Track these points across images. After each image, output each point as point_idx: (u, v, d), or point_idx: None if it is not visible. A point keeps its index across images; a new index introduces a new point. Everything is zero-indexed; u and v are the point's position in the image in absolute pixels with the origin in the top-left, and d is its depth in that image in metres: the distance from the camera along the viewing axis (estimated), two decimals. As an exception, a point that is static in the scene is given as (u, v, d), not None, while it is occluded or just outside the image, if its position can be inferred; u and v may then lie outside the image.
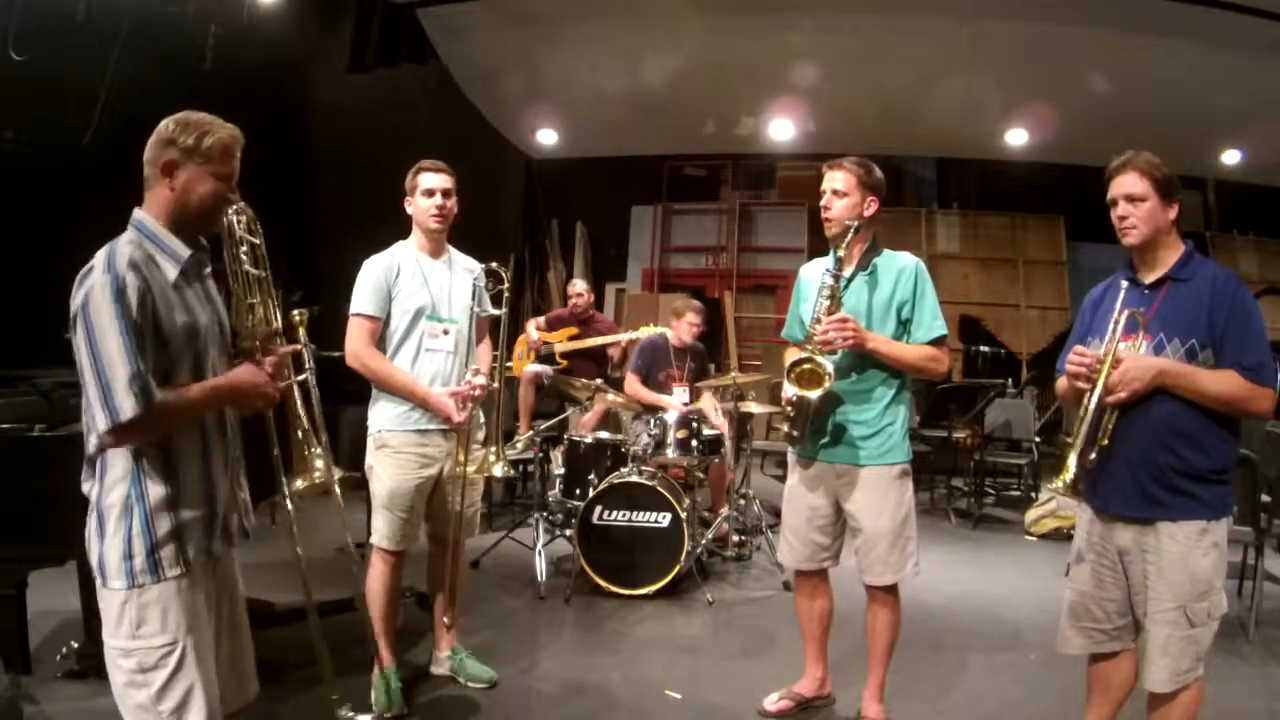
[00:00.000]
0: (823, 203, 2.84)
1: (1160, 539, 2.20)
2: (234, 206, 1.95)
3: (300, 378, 2.14)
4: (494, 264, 3.09)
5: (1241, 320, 2.17)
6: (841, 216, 2.79)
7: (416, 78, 8.13)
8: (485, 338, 3.24)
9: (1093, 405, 2.20)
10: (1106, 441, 2.22)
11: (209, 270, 1.93)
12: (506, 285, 3.05)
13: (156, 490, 1.77)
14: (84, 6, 4.94)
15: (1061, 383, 2.40)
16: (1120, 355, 2.20)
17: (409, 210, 3.08)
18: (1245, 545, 4.11)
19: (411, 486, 2.98)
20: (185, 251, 1.83)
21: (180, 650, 1.76)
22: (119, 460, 1.75)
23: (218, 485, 1.87)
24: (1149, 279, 2.29)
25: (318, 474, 2.19)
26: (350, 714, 2.33)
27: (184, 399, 1.78)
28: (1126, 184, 2.26)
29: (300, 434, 2.13)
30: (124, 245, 1.76)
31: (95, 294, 1.67)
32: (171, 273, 1.80)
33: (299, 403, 2.14)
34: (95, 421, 1.68)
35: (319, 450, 2.18)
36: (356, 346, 2.97)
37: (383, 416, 3.01)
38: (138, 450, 1.75)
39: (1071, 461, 2.20)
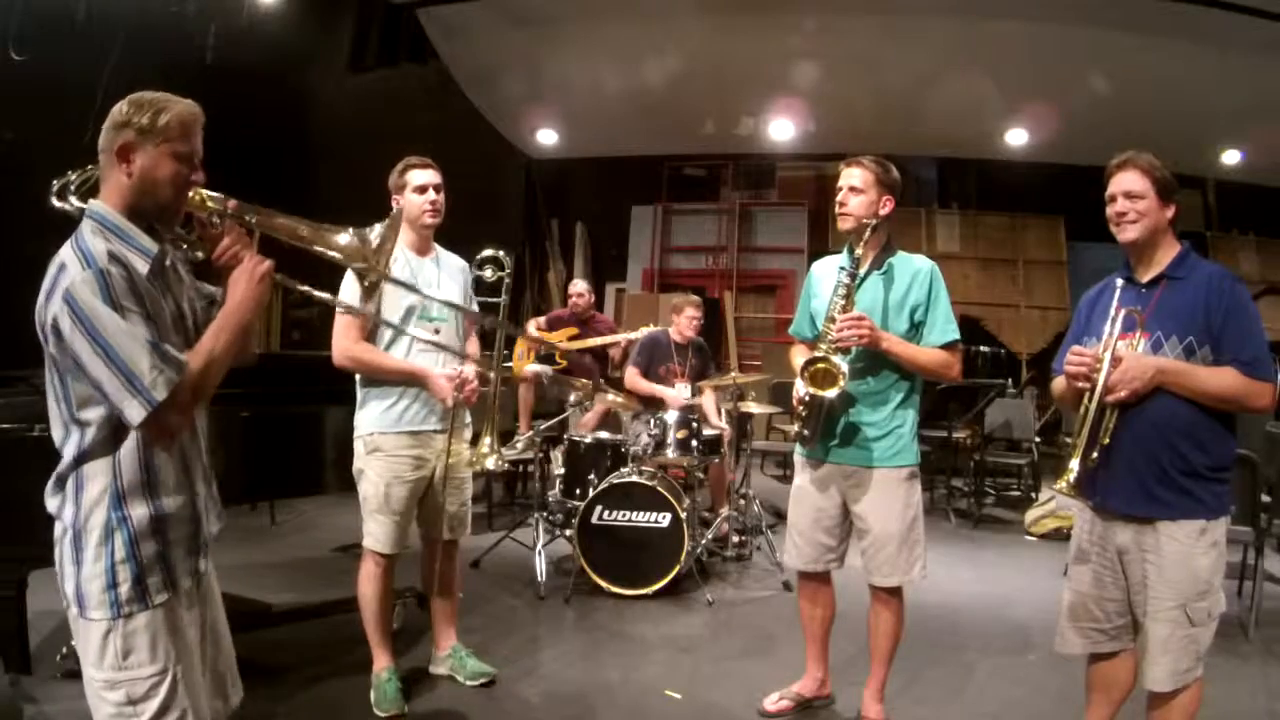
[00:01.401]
0: (839, 198, 2.83)
1: (1160, 538, 2.20)
2: (199, 189, 1.74)
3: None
4: (493, 250, 3.05)
5: (1238, 316, 2.18)
6: (857, 213, 2.79)
7: (416, 78, 8.13)
8: (472, 334, 3.23)
9: (1093, 406, 2.21)
10: (1108, 440, 2.23)
11: (170, 262, 1.75)
12: (507, 272, 3.03)
13: (140, 511, 1.64)
14: (84, 6, 4.94)
15: (1058, 383, 2.40)
16: (1119, 354, 2.21)
17: (404, 208, 3.03)
18: (1245, 545, 4.11)
19: (405, 489, 2.96)
20: (153, 246, 1.68)
21: (171, 678, 1.66)
22: (98, 478, 1.63)
23: (200, 499, 1.76)
24: (1145, 277, 2.30)
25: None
26: None
27: (204, 351, 1.65)
28: (1126, 181, 2.27)
29: (307, 232, 1.85)
30: (91, 238, 1.60)
31: (80, 290, 1.52)
32: (143, 268, 1.64)
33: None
34: (126, 417, 1.55)
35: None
36: (345, 343, 2.91)
37: (373, 419, 2.97)
38: (116, 467, 1.63)
39: (1074, 463, 2.21)
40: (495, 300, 3.07)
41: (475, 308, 3.17)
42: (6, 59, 4.56)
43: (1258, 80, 7.10)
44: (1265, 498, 4.01)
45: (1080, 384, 2.25)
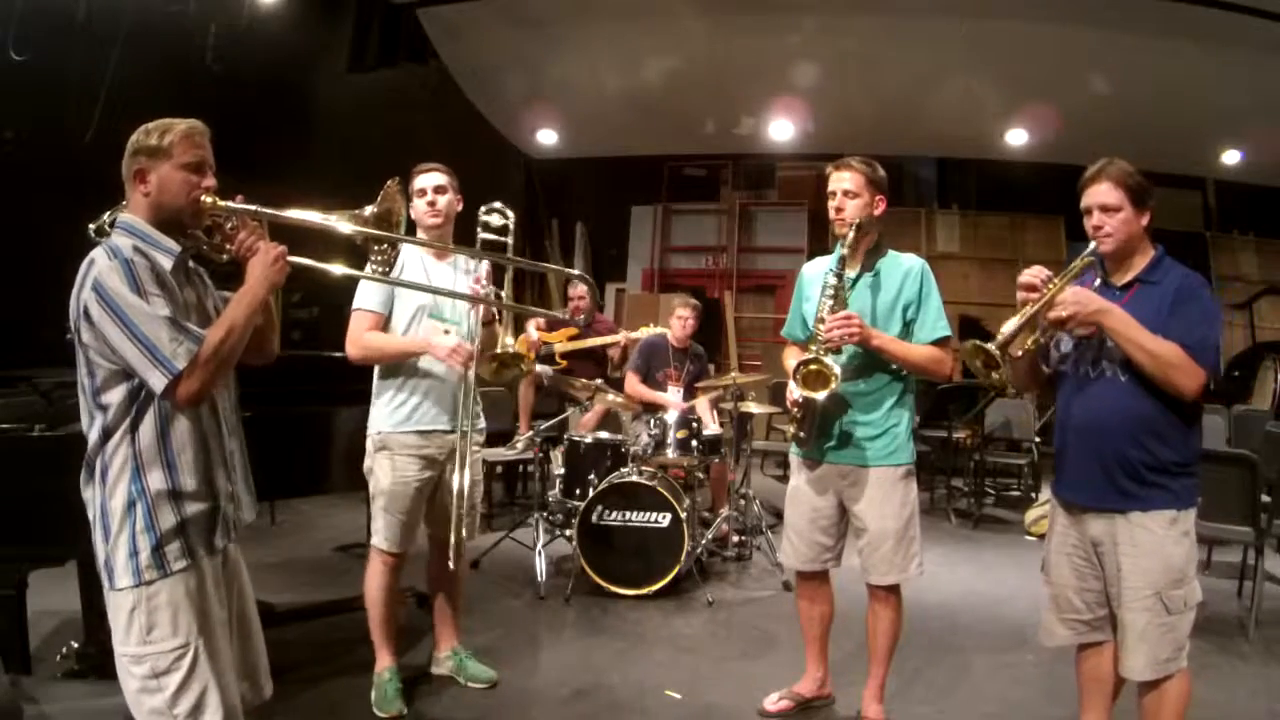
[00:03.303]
0: (834, 204, 2.82)
1: (1133, 529, 2.24)
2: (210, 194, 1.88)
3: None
4: (498, 204, 3.05)
5: (1194, 308, 2.20)
6: (854, 217, 2.79)
7: (416, 78, 8.12)
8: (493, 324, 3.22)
9: (1031, 312, 2.23)
10: (1032, 346, 2.30)
11: (194, 266, 1.94)
12: (512, 219, 3.03)
13: (158, 485, 1.77)
14: (84, 6, 4.94)
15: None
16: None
17: (413, 215, 3.08)
18: (1245, 545, 4.11)
19: (413, 489, 2.97)
20: (176, 246, 1.85)
21: (193, 653, 1.76)
22: (119, 458, 1.76)
23: (216, 478, 1.88)
24: (1120, 281, 2.34)
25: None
26: None
27: (224, 322, 1.80)
28: (1100, 194, 2.29)
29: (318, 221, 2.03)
30: (119, 238, 1.79)
31: (107, 276, 1.69)
32: (167, 264, 1.82)
33: None
34: (151, 386, 1.71)
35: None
36: (354, 336, 2.96)
37: (382, 418, 3.00)
38: (136, 446, 1.76)
39: (994, 344, 2.24)
40: (502, 240, 3.06)
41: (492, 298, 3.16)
42: (6, 59, 4.56)
43: (1258, 80, 7.10)
44: (1265, 498, 4.01)
45: (1027, 294, 2.27)
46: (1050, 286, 2.23)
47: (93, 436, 1.78)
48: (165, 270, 1.80)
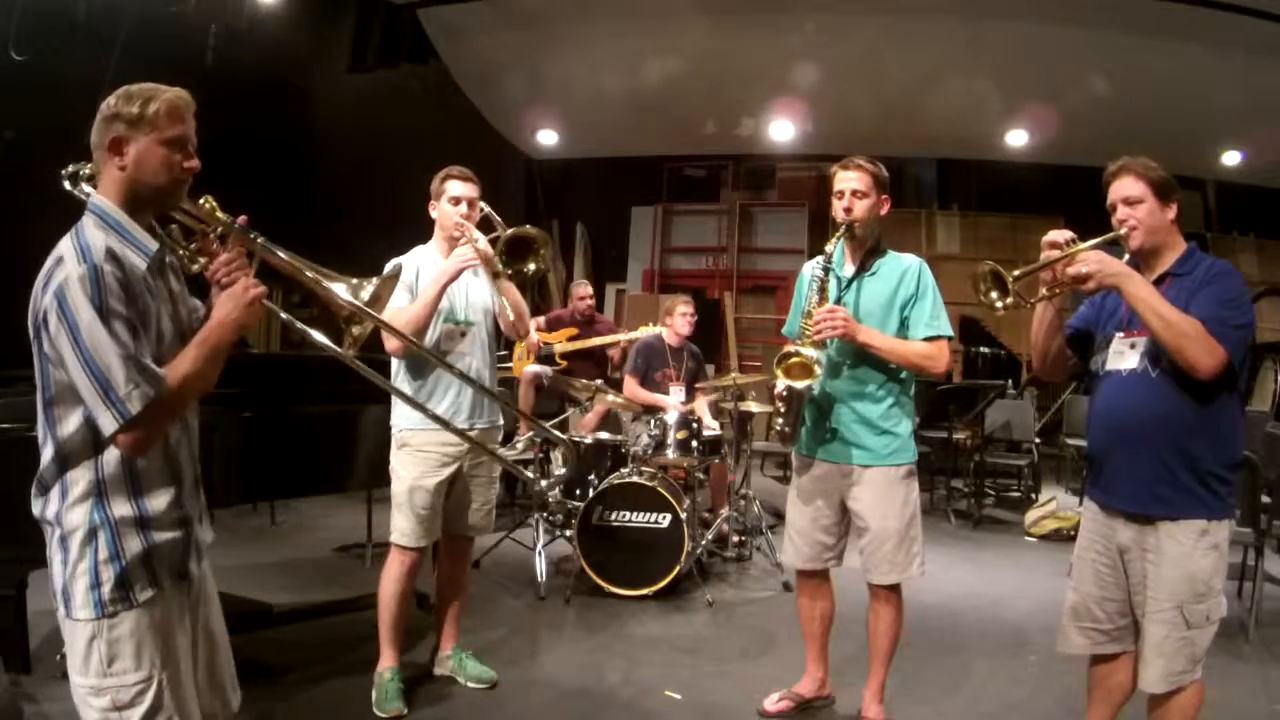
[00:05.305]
0: (842, 203, 2.82)
1: (1160, 538, 2.20)
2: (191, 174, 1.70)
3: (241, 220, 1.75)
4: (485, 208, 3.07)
5: (1216, 286, 2.18)
6: (864, 217, 2.80)
7: (416, 78, 8.13)
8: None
9: (1053, 259, 2.26)
10: (1046, 295, 2.34)
11: (169, 261, 1.75)
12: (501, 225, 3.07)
13: (123, 509, 1.62)
14: (84, 6, 4.95)
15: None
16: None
17: (433, 214, 3.10)
18: (1245, 546, 4.11)
19: (432, 484, 2.99)
20: (152, 245, 1.67)
21: (156, 685, 1.63)
22: (82, 478, 1.62)
23: (188, 501, 1.74)
24: (1151, 277, 2.31)
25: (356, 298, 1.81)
26: None
27: (182, 368, 1.62)
28: (1124, 187, 2.28)
29: (310, 274, 1.80)
30: (92, 233, 1.59)
31: (72, 287, 1.52)
32: (141, 265, 1.64)
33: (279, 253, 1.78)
34: (99, 425, 1.55)
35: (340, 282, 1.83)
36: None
37: (404, 415, 3.03)
38: (99, 467, 1.62)
39: (1016, 272, 2.26)
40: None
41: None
42: (6, 59, 4.56)
43: (1258, 80, 7.10)
44: (1265, 498, 4.01)
45: (1050, 251, 2.28)
46: (1073, 246, 2.24)
47: (46, 453, 1.63)
48: (138, 274, 1.61)
